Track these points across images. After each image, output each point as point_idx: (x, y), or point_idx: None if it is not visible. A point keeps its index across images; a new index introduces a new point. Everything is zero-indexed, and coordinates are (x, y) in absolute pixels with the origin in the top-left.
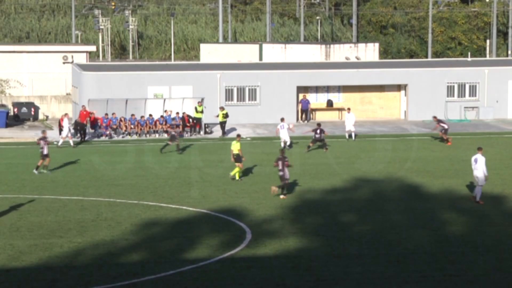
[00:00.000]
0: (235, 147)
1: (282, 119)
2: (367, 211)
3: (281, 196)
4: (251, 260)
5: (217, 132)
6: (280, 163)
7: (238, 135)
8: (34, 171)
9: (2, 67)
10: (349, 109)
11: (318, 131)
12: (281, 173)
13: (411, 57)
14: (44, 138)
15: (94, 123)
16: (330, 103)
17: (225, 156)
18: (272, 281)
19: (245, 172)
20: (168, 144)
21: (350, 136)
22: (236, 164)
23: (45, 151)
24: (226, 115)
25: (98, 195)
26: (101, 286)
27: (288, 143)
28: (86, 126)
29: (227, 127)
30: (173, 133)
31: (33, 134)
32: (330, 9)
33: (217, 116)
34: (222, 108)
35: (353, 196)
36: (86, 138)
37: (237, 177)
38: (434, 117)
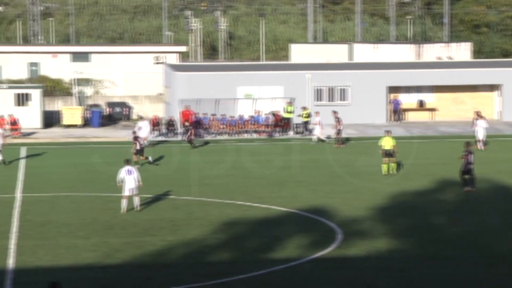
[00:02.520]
0: (388, 143)
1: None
2: (459, 212)
3: (470, 189)
4: (342, 261)
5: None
6: (471, 156)
7: (389, 131)
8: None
9: (97, 68)
10: (479, 115)
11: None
12: (471, 166)
13: (505, 56)
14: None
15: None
16: (421, 103)
17: (318, 156)
18: (363, 282)
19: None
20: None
21: (483, 142)
22: (389, 159)
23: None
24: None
25: (189, 194)
26: (192, 285)
27: None
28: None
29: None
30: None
31: (125, 133)
32: (421, 8)
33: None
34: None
35: (445, 198)
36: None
37: (394, 171)
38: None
